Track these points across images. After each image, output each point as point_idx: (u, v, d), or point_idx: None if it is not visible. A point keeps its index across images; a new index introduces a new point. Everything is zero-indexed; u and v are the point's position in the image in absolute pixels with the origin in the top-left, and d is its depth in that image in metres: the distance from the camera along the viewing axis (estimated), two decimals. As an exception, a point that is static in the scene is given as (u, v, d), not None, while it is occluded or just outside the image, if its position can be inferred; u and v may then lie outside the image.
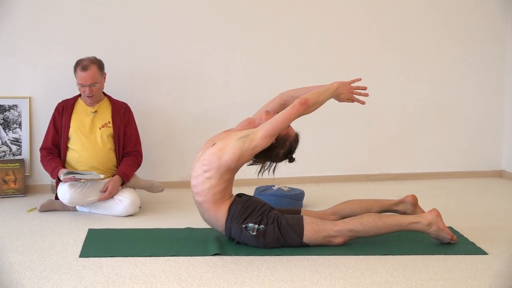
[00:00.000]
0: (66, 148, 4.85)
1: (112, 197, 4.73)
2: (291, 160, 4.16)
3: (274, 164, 4.12)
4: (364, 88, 4.17)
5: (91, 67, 4.76)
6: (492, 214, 4.82)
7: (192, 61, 5.60)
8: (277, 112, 4.12)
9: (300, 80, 5.51)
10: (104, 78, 4.91)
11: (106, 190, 4.68)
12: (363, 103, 4.20)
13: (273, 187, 5.05)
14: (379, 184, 5.87)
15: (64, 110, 4.89)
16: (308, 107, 3.90)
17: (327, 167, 5.95)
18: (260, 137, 3.88)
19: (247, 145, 3.89)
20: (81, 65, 4.76)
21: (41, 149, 4.93)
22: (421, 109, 6.01)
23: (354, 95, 4.17)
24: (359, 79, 4.20)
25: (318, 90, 4.02)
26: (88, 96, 4.81)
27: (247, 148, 3.89)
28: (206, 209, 3.98)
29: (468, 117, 6.11)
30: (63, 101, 4.96)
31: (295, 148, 4.12)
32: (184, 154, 5.62)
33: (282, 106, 4.26)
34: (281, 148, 4.05)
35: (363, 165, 6.01)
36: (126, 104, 5.03)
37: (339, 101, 4.18)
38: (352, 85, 4.16)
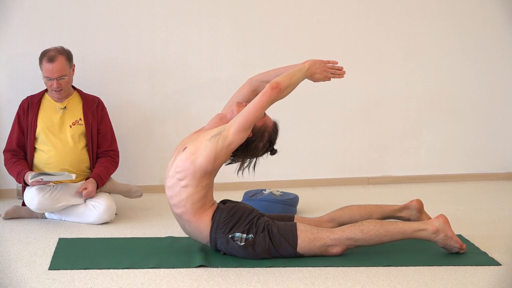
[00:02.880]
0: (34, 149, 4.86)
1: (85, 201, 4.76)
2: (273, 152, 4.18)
3: (255, 159, 4.14)
4: (340, 68, 4.18)
5: (58, 58, 4.76)
6: (506, 221, 4.85)
7: (174, 52, 5.62)
8: (249, 101, 4.13)
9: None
10: (73, 70, 4.91)
11: (83, 190, 4.70)
12: (341, 76, 4.19)
13: (264, 192, 5.07)
14: (381, 188, 5.91)
15: (30, 108, 4.88)
16: (280, 91, 3.91)
17: (324, 169, 5.98)
18: (234, 132, 3.90)
19: (221, 143, 3.91)
20: (47, 56, 4.76)
21: (5, 151, 4.93)
22: (428, 104, 6.04)
23: (329, 74, 4.16)
24: (335, 62, 4.20)
25: (289, 72, 4.03)
26: (55, 91, 4.82)
27: (221, 147, 3.91)
28: (186, 221, 4.00)
29: (480, 113, 6.13)
30: (28, 97, 4.96)
31: (275, 139, 4.13)
32: (164, 155, 5.62)
33: (253, 93, 4.25)
34: (259, 141, 4.07)
35: (363, 167, 6.04)
36: (98, 98, 5.04)
37: (314, 81, 4.18)
38: (326, 64, 4.17)
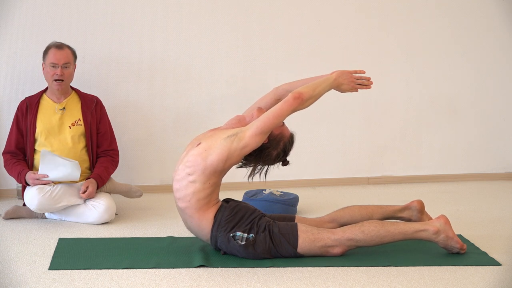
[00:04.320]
0: (33, 150, 4.86)
1: (85, 201, 4.75)
2: (285, 163, 4.18)
3: (266, 167, 4.14)
4: (368, 79, 4.18)
5: (65, 48, 4.86)
6: (506, 221, 4.86)
7: (174, 52, 5.62)
8: None
9: (294, 71, 5.53)
10: (75, 68, 4.93)
11: (85, 192, 4.70)
12: (368, 87, 4.20)
13: (264, 192, 5.08)
14: (382, 188, 5.91)
15: (28, 109, 4.88)
16: (302, 102, 3.92)
17: (324, 169, 5.98)
18: (250, 135, 3.90)
19: (235, 144, 3.91)
20: (54, 44, 4.85)
21: (4, 153, 4.92)
22: (428, 104, 6.05)
23: (357, 84, 4.16)
24: (363, 72, 4.20)
25: (314, 82, 4.03)
26: (57, 80, 4.82)
27: (235, 148, 3.91)
28: (189, 216, 4.00)
29: (480, 113, 6.13)
30: (26, 98, 4.95)
31: (290, 150, 4.14)
32: (164, 154, 5.63)
33: (276, 101, 4.25)
34: (273, 149, 4.07)
35: (363, 167, 6.04)
36: (96, 98, 5.04)
37: (341, 92, 4.20)
38: (354, 75, 4.17)
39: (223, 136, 3.95)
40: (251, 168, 4.12)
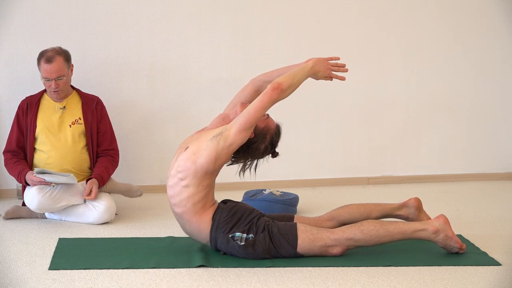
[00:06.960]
0: (33, 149, 4.86)
1: (85, 201, 4.75)
2: (275, 155, 4.17)
3: (256, 161, 4.14)
4: (343, 65, 4.18)
5: (56, 58, 4.75)
6: (506, 221, 4.85)
7: (174, 52, 5.62)
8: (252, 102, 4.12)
9: (293, 72, 5.54)
10: (71, 70, 4.91)
11: (89, 193, 4.69)
12: (342, 78, 4.19)
13: (264, 192, 5.08)
14: (381, 188, 5.91)
15: (29, 108, 4.88)
16: (282, 92, 3.90)
17: (324, 169, 5.98)
18: (235, 132, 3.89)
19: (221, 144, 3.91)
20: (45, 56, 4.76)
21: (5, 152, 4.93)
22: (428, 104, 6.04)
23: (332, 72, 4.16)
24: (337, 58, 4.20)
25: (291, 72, 4.01)
26: (54, 91, 4.82)
27: (222, 147, 3.91)
28: (187, 221, 4.00)
29: (480, 113, 6.13)
30: (27, 98, 4.96)
31: (277, 142, 4.13)
32: (164, 155, 5.63)
33: (256, 93, 4.23)
34: (261, 143, 4.06)
35: (363, 167, 6.04)
36: (97, 98, 5.04)
37: (316, 79, 4.17)
38: (329, 62, 4.16)
39: (208, 137, 3.95)
40: (241, 164, 4.12)
